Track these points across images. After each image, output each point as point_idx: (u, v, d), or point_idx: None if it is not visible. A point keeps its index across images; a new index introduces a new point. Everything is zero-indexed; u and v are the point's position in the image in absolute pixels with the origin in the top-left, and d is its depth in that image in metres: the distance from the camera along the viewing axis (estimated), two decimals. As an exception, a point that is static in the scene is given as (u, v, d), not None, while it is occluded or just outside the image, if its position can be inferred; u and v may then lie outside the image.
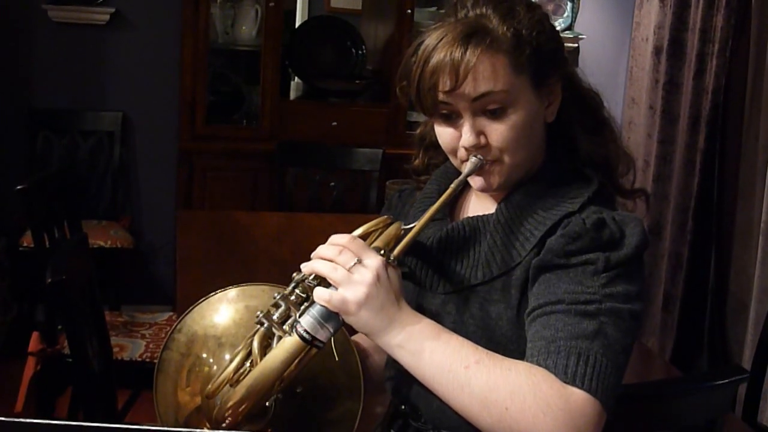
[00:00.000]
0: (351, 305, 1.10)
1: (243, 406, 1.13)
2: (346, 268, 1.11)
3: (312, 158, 3.71)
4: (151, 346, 2.75)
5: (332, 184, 3.64)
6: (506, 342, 1.12)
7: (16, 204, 2.78)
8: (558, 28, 4.90)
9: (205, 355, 1.20)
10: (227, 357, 1.19)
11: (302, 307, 1.13)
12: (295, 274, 1.16)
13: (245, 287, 1.25)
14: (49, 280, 1.80)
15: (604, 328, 1.08)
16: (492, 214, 1.26)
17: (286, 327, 1.13)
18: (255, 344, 1.14)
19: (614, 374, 1.07)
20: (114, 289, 3.90)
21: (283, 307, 1.14)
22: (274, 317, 1.14)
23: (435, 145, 1.35)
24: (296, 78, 4.43)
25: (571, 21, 4.45)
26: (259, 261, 2.65)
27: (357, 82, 4.31)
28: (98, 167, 4.11)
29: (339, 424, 1.21)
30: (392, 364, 1.32)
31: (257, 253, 2.72)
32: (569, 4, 4.43)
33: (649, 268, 4.13)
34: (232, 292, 1.25)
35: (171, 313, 3.06)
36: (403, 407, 1.31)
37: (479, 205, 1.32)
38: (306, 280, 1.14)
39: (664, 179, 4.06)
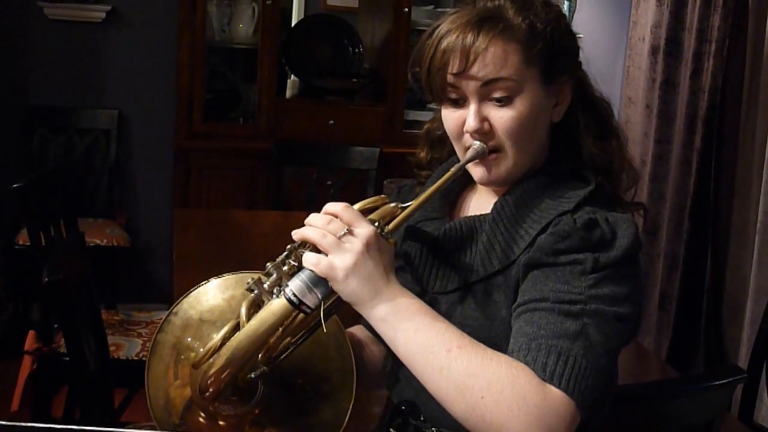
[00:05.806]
0: (338, 271, 1.08)
1: (226, 372, 1.12)
2: (336, 236, 1.10)
3: (309, 157, 3.71)
4: (147, 344, 2.75)
5: (329, 182, 3.64)
6: (500, 342, 1.11)
7: (12, 202, 2.78)
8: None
9: (197, 342, 1.20)
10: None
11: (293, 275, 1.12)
12: (289, 246, 1.16)
13: (243, 274, 1.26)
14: (47, 279, 1.80)
15: (587, 329, 1.07)
16: (488, 213, 1.25)
17: (275, 293, 1.12)
18: (243, 310, 1.14)
19: (593, 377, 1.05)
20: (110, 287, 3.89)
21: (274, 276, 1.14)
22: (265, 285, 1.14)
23: (440, 140, 1.36)
24: (293, 76, 4.42)
25: (568, 20, 4.45)
26: (256, 259, 2.61)
27: (354, 80, 4.31)
28: (95, 165, 4.11)
29: (330, 419, 1.20)
30: (390, 361, 1.32)
31: (254, 251, 2.71)
32: (566, 3, 4.43)
33: (644, 267, 4.13)
34: (229, 279, 1.26)
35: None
36: (401, 406, 1.30)
37: (478, 206, 1.31)
38: (299, 250, 1.14)
39: (660, 178, 4.06)
